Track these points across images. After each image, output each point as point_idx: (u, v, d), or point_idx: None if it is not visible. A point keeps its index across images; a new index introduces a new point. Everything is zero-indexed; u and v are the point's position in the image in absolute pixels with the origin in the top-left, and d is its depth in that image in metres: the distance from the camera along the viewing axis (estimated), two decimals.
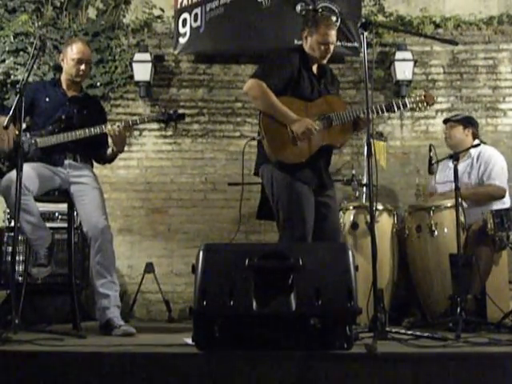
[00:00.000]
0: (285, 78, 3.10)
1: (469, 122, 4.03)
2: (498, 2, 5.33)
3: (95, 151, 3.40)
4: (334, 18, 4.20)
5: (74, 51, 3.30)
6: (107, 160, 3.46)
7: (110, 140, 3.30)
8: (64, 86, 3.38)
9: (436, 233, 3.75)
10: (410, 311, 4.01)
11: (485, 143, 4.09)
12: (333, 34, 3.19)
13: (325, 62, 3.24)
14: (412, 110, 3.31)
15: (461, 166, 3.89)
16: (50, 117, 3.26)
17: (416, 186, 4.53)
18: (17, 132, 2.95)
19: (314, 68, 3.25)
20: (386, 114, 3.26)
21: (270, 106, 3.05)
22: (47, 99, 3.29)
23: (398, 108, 3.28)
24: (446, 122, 4.17)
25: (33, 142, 3.17)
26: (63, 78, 3.39)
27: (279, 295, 2.19)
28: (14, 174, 2.85)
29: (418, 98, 3.27)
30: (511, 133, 5.11)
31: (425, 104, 3.27)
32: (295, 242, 3.01)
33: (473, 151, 3.92)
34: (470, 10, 5.26)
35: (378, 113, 3.23)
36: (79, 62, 3.30)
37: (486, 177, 3.86)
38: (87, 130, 3.20)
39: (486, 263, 3.51)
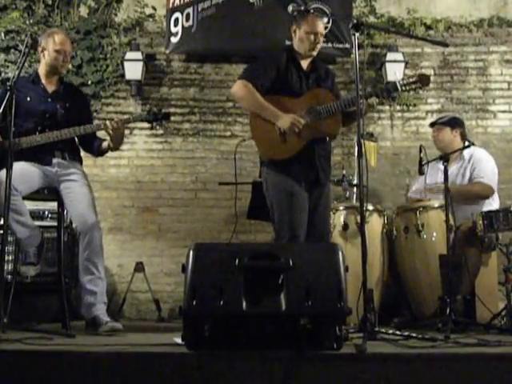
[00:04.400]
0: (271, 77, 3.15)
1: (456, 123, 4.04)
2: (489, 5, 5.36)
3: (85, 146, 3.38)
4: (325, 19, 4.20)
5: (57, 42, 3.24)
6: (99, 153, 3.41)
7: (107, 136, 3.27)
8: (43, 80, 3.30)
9: (423, 233, 3.76)
10: (399, 312, 4.02)
11: (473, 143, 4.11)
12: (320, 24, 3.24)
13: (315, 53, 3.25)
14: (406, 91, 3.21)
15: (454, 168, 3.92)
16: (33, 116, 3.20)
17: (406, 186, 4.55)
18: None
19: (304, 64, 3.27)
20: (377, 100, 3.21)
21: (256, 105, 3.12)
22: (28, 99, 3.21)
23: (389, 92, 3.28)
24: (432, 125, 4.15)
25: (16, 142, 3.07)
26: (42, 71, 3.30)
27: (269, 295, 2.19)
28: (2, 173, 2.83)
29: (411, 80, 3.18)
30: (501, 135, 5.15)
31: (419, 84, 3.19)
32: (286, 237, 3.05)
33: (465, 153, 3.93)
34: (460, 13, 5.29)
35: (366, 98, 3.17)
36: (63, 52, 3.25)
37: (475, 175, 3.88)
38: (79, 129, 3.17)
39: (475, 264, 3.53)
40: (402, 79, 3.23)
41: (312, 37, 3.19)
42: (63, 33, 3.39)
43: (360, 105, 2.78)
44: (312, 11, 3.21)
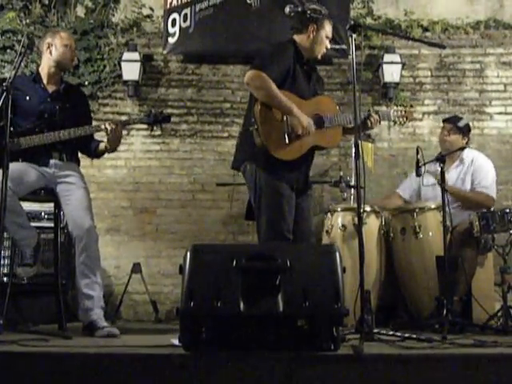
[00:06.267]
0: (283, 71, 3.07)
1: (468, 131, 4.04)
2: (485, 7, 5.38)
3: (82, 147, 3.38)
4: None
5: (64, 38, 3.29)
6: (96, 155, 3.41)
7: (104, 138, 3.28)
8: (44, 80, 3.29)
9: (420, 235, 3.76)
10: (396, 313, 4.02)
11: (470, 147, 4.12)
12: (332, 28, 3.27)
13: (320, 57, 3.25)
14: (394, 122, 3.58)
15: (453, 173, 3.93)
16: (32, 116, 3.20)
17: None
18: None
19: (304, 63, 3.23)
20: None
21: (274, 96, 3.00)
22: (27, 98, 3.21)
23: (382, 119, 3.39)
24: (447, 122, 4.08)
25: (15, 141, 3.06)
26: (45, 70, 3.30)
27: (266, 296, 2.19)
28: None
29: (399, 113, 3.43)
30: (497, 136, 5.16)
31: (405, 119, 3.48)
32: (275, 240, 2.99)
33: (465, 157, 3.95)
34: (457, 15, 5.30)
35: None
36: (71, 47, 3.30)
37: (477, 184, 3.89)
38: (78, 130, 3.16)
39: (471, 265, 3.54)
40: (395, 112, 3.47)
41: (327, 42, 3.21)
42: (68, 31, 3.42)
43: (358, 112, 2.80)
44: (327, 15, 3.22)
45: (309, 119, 3.06)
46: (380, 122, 3.34)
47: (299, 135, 3.05)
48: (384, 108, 5.13)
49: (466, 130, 4.02)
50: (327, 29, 3.20)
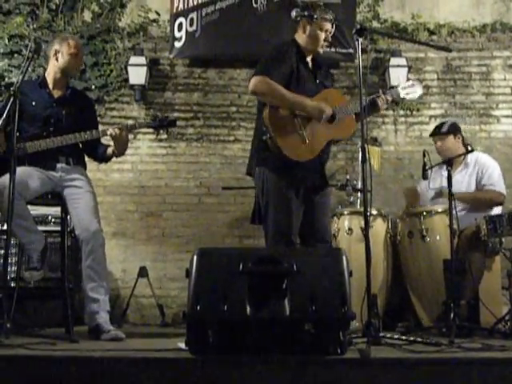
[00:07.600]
0: (286, 73, 3.05)
1: (456, 129, 4.02)
2: (492, 10, 5.37)
3: (89, 152, 3.39)
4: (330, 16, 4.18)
5: (71, 45, 3.28)
6: (104, 159, 3.42)
7: (111, 142, 3.29)
8: (50, 85, 3.30)
9: (427, 238, 3.75)
10: (403, 316, 4.01)
11: (475, 149, 4.10)
12: (330, 22, 3.18)
13: (321, 51, 3.20)
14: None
15: (458, 176, 3.91)
16: (38, 121, 3.20)
17: None
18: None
19: (309, 61, 3.20)
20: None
21: (282, 97, 2.97)
22: (33, 103, 3.21)
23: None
24: (434, 135, 4.09)
25: (21, 146, 3.07)
26: (51, 75, 3.31)
27: (273, 300, 2.19)
28: (6, 178, 2.83)
29: (406, 84, 3.30)
30: (504, 139, 5.15)
31: (412, 90, 3.30)
32: (281, 243, 2.98)
33: (469, 159, 3.94)
34: (463, 18, 5.30)
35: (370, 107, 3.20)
36: (77, 55, 3.31)
37: (485, 182, 3.87)
38: (84, 135, 3.17)
39: (479, 268, 3.52)
40: (402, 89, 3.30)
41: (323, 34, 3.15)
42: (76, 38, 3.47)
43: (363, 114, 2.78)
44: (322, 7, 3.15)
45: (322, 103, 3.01)
46: (388, 102, 3.26)
47: (313, 131, 3.00)
48: (390, 112, 5.14)
49: (453, 130, 4.00)
50: (320, 21, 3.13)
